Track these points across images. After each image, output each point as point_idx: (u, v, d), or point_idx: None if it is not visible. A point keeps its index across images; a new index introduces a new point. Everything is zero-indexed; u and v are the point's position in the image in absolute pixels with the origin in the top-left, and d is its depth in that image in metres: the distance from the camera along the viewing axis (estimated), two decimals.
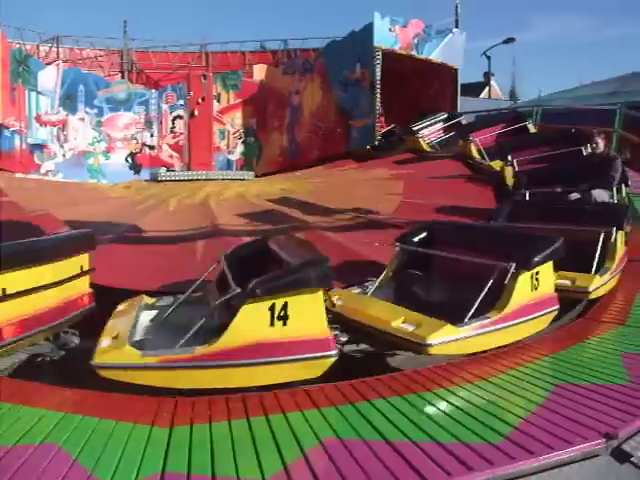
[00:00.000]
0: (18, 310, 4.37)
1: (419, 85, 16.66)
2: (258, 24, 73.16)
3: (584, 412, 3.32)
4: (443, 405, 3.52)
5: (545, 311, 5.07)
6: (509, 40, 30.44)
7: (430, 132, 14.96)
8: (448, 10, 17.38)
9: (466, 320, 4.55)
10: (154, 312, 4.99)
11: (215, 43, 21.40)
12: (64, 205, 10.09)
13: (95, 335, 4.44)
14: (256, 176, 15.31)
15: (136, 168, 18.39)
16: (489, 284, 4.71)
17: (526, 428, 3.12)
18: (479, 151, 12.49)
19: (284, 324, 4.04)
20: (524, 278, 4.85)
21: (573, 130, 10.92)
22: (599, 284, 5.78)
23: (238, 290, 4.14)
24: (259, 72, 19.61)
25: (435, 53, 16.65)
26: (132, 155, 18.71)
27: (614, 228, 6.17)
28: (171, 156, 18.74)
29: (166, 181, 13.09)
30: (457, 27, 17.98)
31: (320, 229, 8.45)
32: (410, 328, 4.49)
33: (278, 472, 2.72)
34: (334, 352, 4.14)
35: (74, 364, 4.56)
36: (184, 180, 12.94)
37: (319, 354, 4.10)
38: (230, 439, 3.11)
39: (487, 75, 32.82)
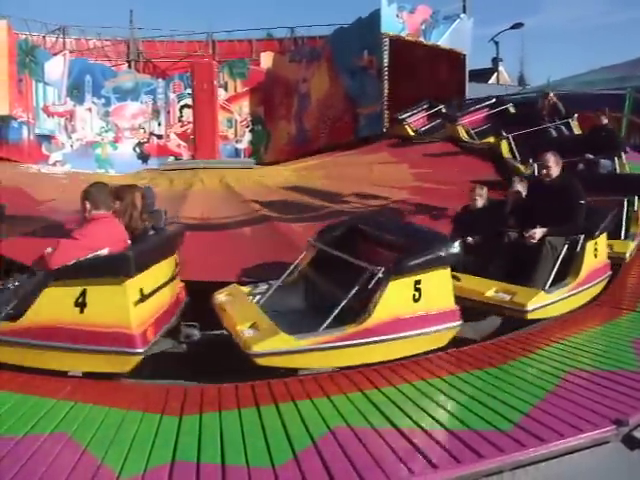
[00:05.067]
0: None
1: (427, 71, 16.55)
2: (264, 12, 72.65)
3: (594, 399, 3.31)
4: (452, 392, 3.52)
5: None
6: (517, 25, 30.12)
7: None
8: None
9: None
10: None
11: (221, 32, 21.36)
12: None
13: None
14: (262, 164, 15.29)
15: (144, 158, 18.39)
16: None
17: (536, 415, 3.11)
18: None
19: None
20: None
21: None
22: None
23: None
24: (266, 60, 19.54)
25: (443, 39, 16.56)
26: (140, 145, 18.70)
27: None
28: (179, 145, 18.73)
29: (174, 170, 13.11)
30: (465, 13, 17.85)
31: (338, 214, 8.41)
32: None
33: (288, 460, 2.71)
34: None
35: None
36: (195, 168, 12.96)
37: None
38: (240, 427, 3.12)
39: (495, 61, 32.56)
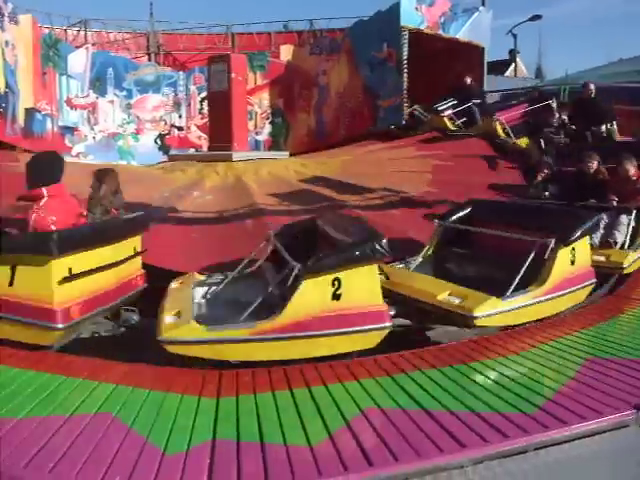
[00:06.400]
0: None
1: (446, 64, 16.56)
2: (283, 4, 72.49)
3: (614, 385, 3.44)
4: (479, 377, 3.66)
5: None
6: (535, 17, 29.88)
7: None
8: None
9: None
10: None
11: (240, 24, 21.44)
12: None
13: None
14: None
15: (165, 149, 18.52)
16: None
17: (559, 399, 3.25)
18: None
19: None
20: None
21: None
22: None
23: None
24: (286, 53, 19.59)
25: (461, 32, 16.48)
26: (161, 136, 18.84)
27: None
28: (200, 137, 18.89)
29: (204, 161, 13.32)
30: (483, 5, 17.80)
31: (355, 208, 8.54)
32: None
33: (324, 439, 2.86)
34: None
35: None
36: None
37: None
38: (275, 409, 3.27)
39: (512, 53, 32.36)
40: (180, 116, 19.11)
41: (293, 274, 4.28)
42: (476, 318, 4.52)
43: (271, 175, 11.47)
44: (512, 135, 12.45)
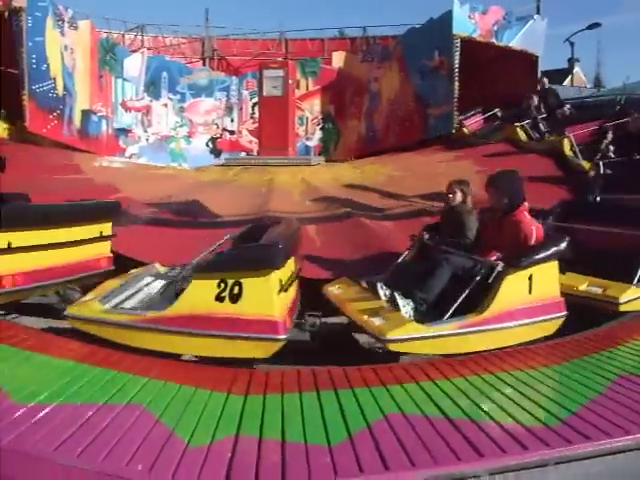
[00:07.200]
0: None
1: (498, 73, 16.35)
2: (337, 11, 72.91)
3: None
4: (504, 388, 3.63)
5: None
6: (594, 25, 29.27)
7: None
8: None
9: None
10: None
11: (294, 31, 21.65)
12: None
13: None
14: (331, 161, 15.61)
15: (216, 153, 18.84)
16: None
17: (584, 414, 3.19)
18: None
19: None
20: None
21: None
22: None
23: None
24: (338, 59, 19.71)
25: (515, 40, 16.25)
26: (213, 140, 19.18)
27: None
28: (250, 141, 19.12)
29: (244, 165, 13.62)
30: (538, 13, 17.53)
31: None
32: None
33: (344, 440, 2.90)
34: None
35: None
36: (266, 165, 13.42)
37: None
38: (300, 409, 3.32)
39: (570, 62, 31.78)
40: (232, 120, 19.42)
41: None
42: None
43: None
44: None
